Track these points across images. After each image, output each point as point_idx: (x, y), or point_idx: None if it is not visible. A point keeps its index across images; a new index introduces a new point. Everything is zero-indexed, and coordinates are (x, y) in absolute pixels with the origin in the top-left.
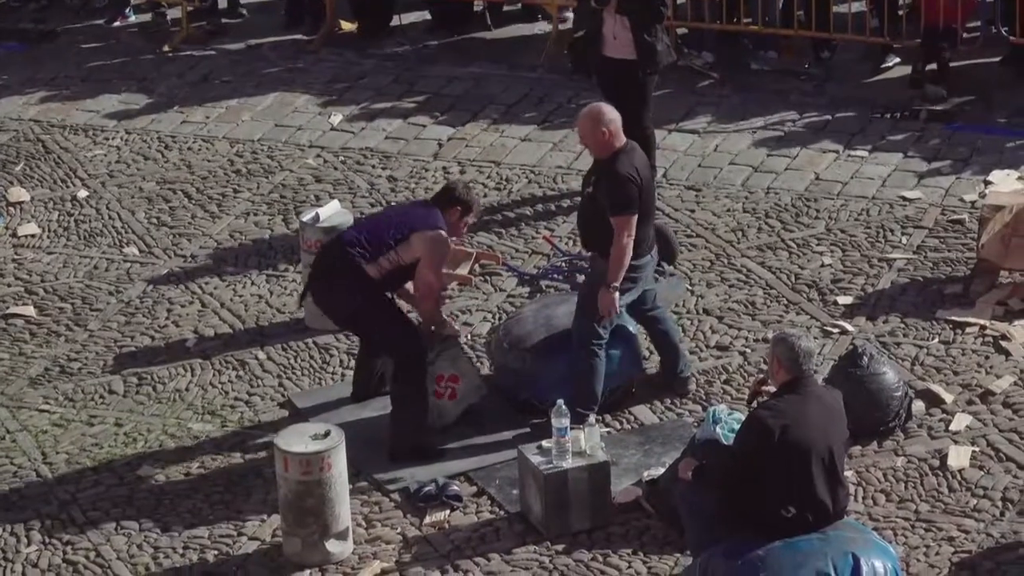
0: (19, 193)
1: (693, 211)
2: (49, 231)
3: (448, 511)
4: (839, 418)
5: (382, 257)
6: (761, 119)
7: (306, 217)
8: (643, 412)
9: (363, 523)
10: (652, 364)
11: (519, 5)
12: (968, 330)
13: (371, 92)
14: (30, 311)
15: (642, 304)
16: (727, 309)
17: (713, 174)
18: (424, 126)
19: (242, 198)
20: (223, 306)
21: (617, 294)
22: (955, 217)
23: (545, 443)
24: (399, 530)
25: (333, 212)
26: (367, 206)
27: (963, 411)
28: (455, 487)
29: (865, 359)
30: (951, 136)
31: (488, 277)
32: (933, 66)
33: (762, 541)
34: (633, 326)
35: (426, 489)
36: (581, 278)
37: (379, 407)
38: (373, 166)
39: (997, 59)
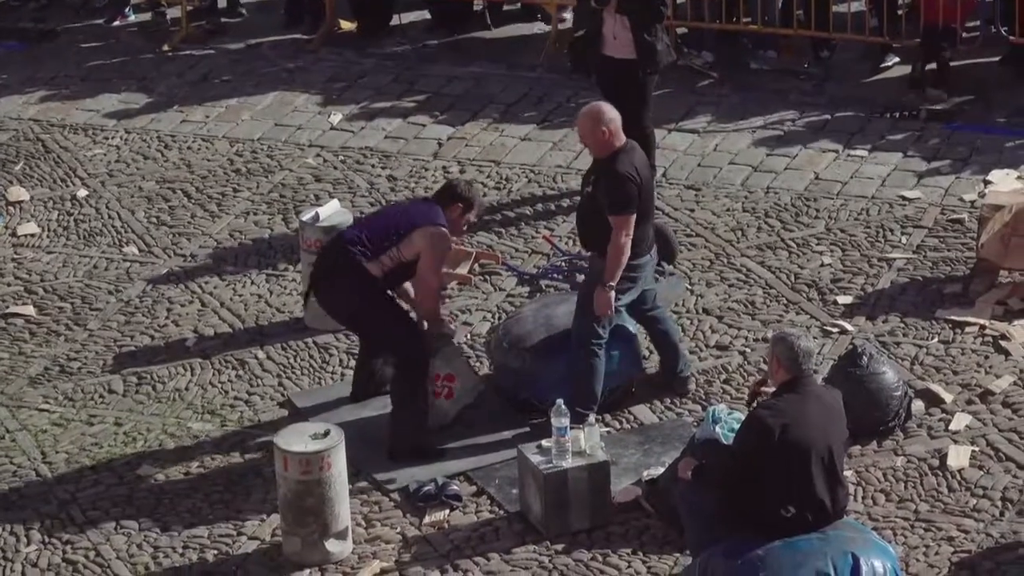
0: (19, 192)
1: (693, 210)
2: (49, 230)
3: (448, 511)
4: (839, 418)
5: (383, 255)
6: (761, 119)
7: (306, 216)
8: (643, 412)
9: (363, 523)
10: (652, 364)
11: (518, 5)
12: (968, 330)
13: (371, 91)
14: (30, 310)
15: (642, 304)
16: (727, 309)
17: (713, 173)
18: (424, 125)
19: (242, 197)
20: (223, 305)
21: (613, 293)
22: (955, 217)
23: (545, 443)
24: (399, 530)
25: (333, 211)
26: (367, 205)
27: (963, 411)
28: (455, 487)
29: (865, 359)
30: (951, 136)
31: (488, 276)
32: (932, 65)
33: (762, 541)
34: (633, 326)
35: (425, 489)
36: (581, 278)
37: (379, 407)
38: (373, 165)
39: (996, 59)
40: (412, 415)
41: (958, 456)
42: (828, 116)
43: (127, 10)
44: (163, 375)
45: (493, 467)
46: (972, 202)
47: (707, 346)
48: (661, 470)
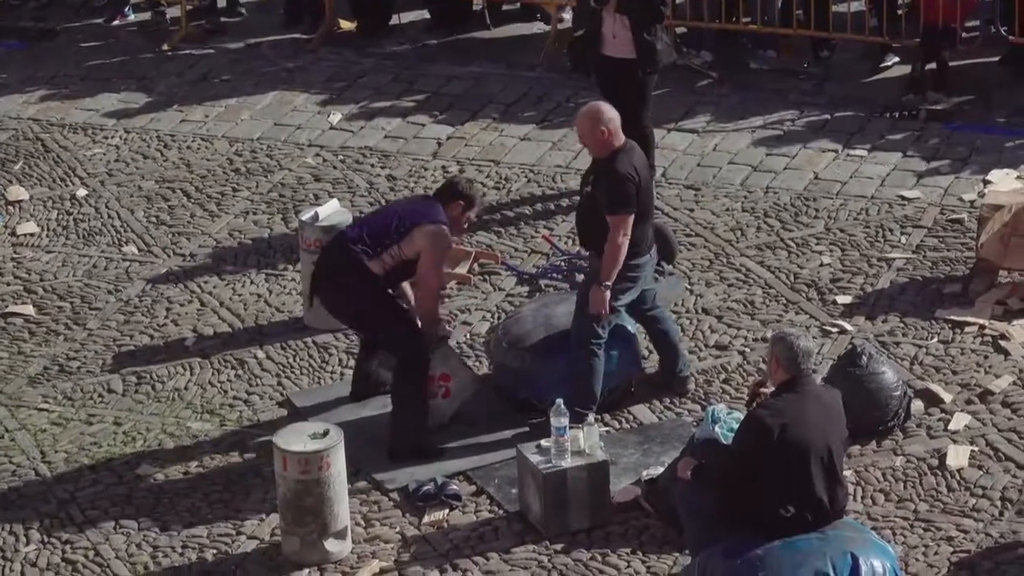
0: (18, 192)
1: (692, 210)
2: (48, 230)
3: (447, 510)
4: (838, 417)
5: (385, 253)
6: (760, 118)
7: (305, 216)
8: (642, 411)
9: (362, 522)
10: (651, 363)
11: (518, 4)
12: (967, 329)
13: (370, 91)
14: (29, 310)
15: (642, 304)
16: (726, 308)
17: (712, 173)
18: (423, 125)
19: (241, 197)
20: (222, 305)
21: (608, 293)
22: (954, 216)
23: (544, 442)
24: (398, 529)
25: (332, 211)
26: (366, 205)
27: (962, 411)
28: (454, 486)
29: (864, 358)
30: (950, 135)
31: (487, 276)
32: (932, 65)
33: (761, 540)
34: (632, 326)
35: (425, 488)
36: (580, 277)
37: (378, 406)
38: (372, 165)
39: (996, 58)
40: (413, 415)
41: (957, 456)
42: (828, 116)
43: (127, 9)
44: (162, 374)
45: (492, 467)
46: (972, 202)
47: (706, 346)
48: (660, 470)
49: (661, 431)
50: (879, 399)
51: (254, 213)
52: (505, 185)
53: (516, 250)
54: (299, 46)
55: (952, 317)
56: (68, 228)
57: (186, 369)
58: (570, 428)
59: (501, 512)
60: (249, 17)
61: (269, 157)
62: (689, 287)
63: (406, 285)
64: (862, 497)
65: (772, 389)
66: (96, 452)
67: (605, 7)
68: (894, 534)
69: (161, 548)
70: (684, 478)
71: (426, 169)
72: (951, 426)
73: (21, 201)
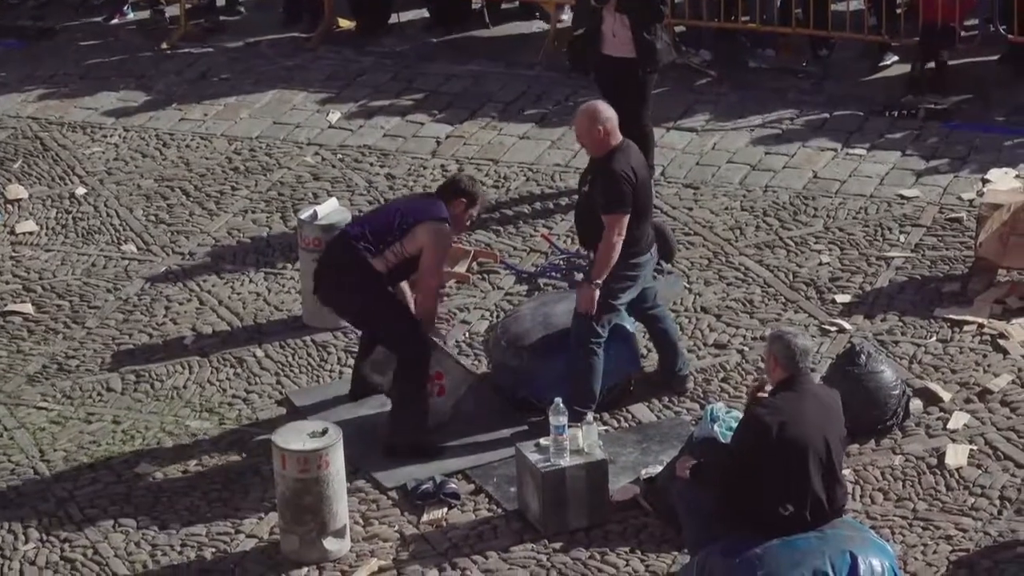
0: (17, 190)
1: (691, 209)
2: (47, 228)
3: (446, 509)
4: (836, 416)
5: (387, 250)
6: (759, 117)
7: (304, 215)
8: (641, 410)
9: (360, 521)
10: (650, 362)
11: (517, 3)
12: (966, 328)
13: (369, 90)
14: (28, 308)
15: (642, 302)
16: (725, 307)
17: (711, 172)
18: (422, 124)
19: (240, 196)
20: (221, 304)
21: (598, 292)
22: (953, 215)
23: (543, 441)
24: (396, 528)
25: (331, 210)
26: (365, 204)
27: (961, 409)
28: (453, 485)
29: (863, 357)
30: (949, 134)
31: (486, 275)
32: (931, 64)
33: (760, 539)
34: (631, 324)
35: (424, 487)
36: (579, 276)
37: (376, 405)
38: (371, 164)
39: (995, 57)
40: (413, 414)
41: (956, 455)
42: (827, 115)
43: (126, 8)
44: (161, 373)
45: (491, 465)
46: (970, 201)
47: (705, 344)
48: (659, 468)
49: (660, 430)
50: (878, 398)
51: (253, 212)
52: (504, 184)
53: (515, 249)
54: (298, 45)
55: (951, 316)
56: (67, 227)
57: (185, 368)
58: (569, 427)
59: (500, 511)
60: (248, 16)
61: (268, 156)
62: (688, 286)
63: (404, 284)
64: (861, 496)
65: (770, 389)
66: (95, 451)
67: (605, 6)
68: (893, 533)
69: (160, 546)
70: (683, 477)
71: (425, 168)
72: (950, 425)
73: (20, 200)
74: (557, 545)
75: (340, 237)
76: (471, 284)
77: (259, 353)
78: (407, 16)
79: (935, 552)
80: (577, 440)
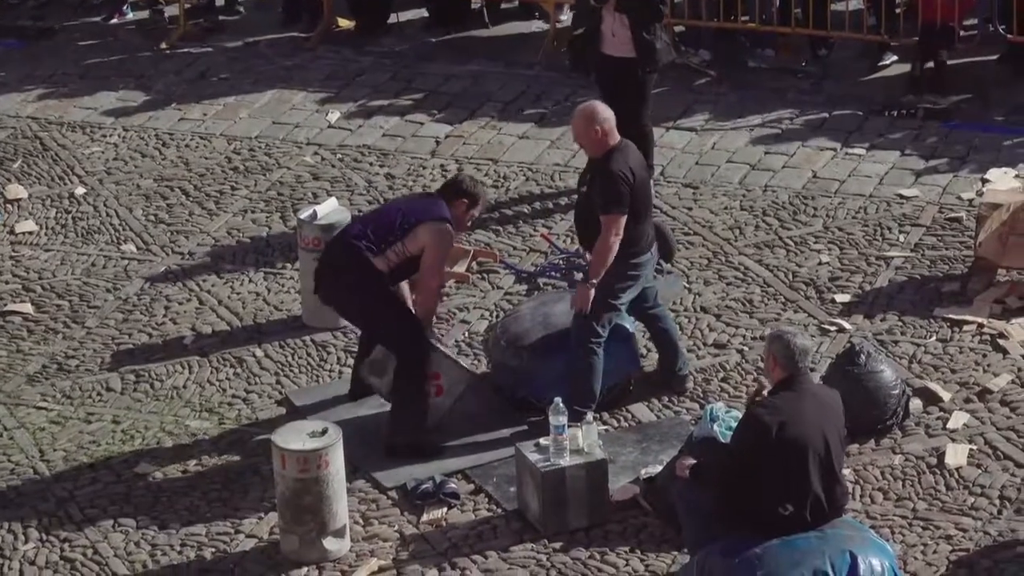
0: (17, 190)
1: (691, 209)
2: (47, 228)
3: (445, 509)
4: (836, 415)
5: (389, 250)
6: (759, 117)
7: (304, 214)
8: (641, 410)
9: (360, 520)
10: (650, 362)
11: (516, 3)
12: (966, 328)
13: (368, 89)
14: (28, 308)
15: (643, 302)
16: (724, 307)
17: (711, 172)
18: (422, 123)
19: (240, 195)
20: (221, 303)
21: (593, 291)
22: (952, 215)
23: (543, 441)
24: (396, 528)
25: (331, 209)
26: (364, 203)
27: (961, 409)
28: (452, 485)
29: (863, 357)
30: (948, 134)
31: (486, 274)
32: (930, 64)
33: (759, 539)
34: (631, 324)
35: (423, 487)
36: (579, 276)
37: (377, 405)
38: (371, 163)
39: (994, 57)
40: (413, 415)
41: (956, 454)
42: (826, 114)
43: (125, 8)
44: (161, 373)
45: (491, 465)
46: (970, 200)
47: (705, 344)
48: (659, 468)
49: (660, 429)
50: (878, 398)
51: (252, 211)
52: (504, 183)
53: (515, 248)
54: (297, 44)
55: (950, 316)
56: (67, 226)
57: (185, 367)
58: (569, 426)
59: (499, 511)
60: (247, 15)
61: (267, 155)
62: (688, 285)
63: (404, 285)
64: (861, 496)
65: (769, 389)
66: (95, 450)
67: (604, 6)
68: (893, 533)
69: (160, 546)
70: (682, 476)
71: (424, 167)
72: (950, 425)
73: (20, 199)
74: (557, 545)
75: (341, 236)
76: (471, 284)
77: (259, 353)
78: (406, 16)
79: (935, 552)
80: (577, 440)
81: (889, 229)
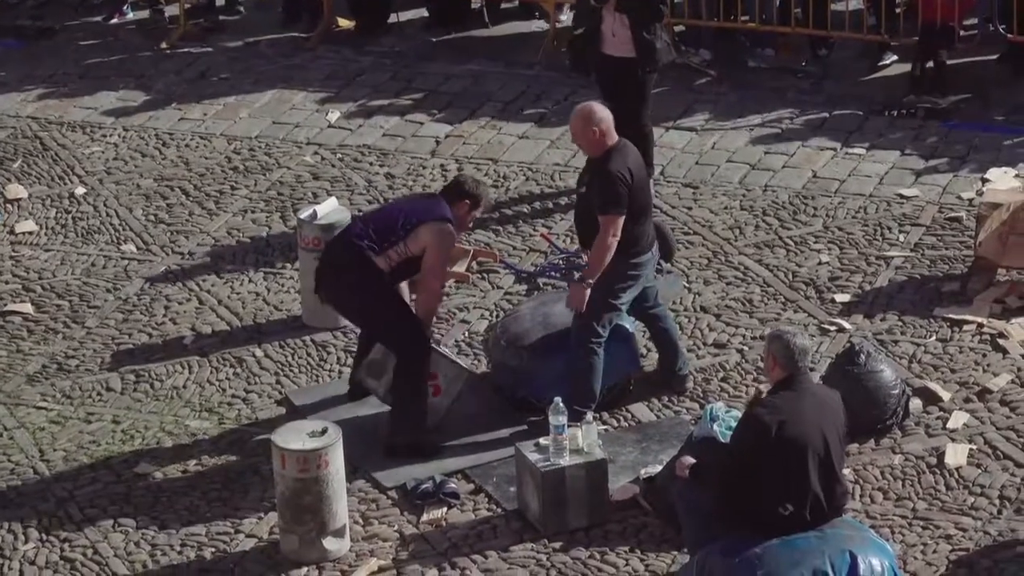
0: (16, 190)
1: (690, 208)
2: (47, 228)
3: (445, 508)
4: (836, 415)
5: (391, 249)
6: (759, 116)
7: (304, 214)
8: (641, 410)
9: (360, 520)
10: (650, 362)
11: (516, 3)
12: (965, 328)
13: (368, 89)
14: (28, 308)
15: (644, 301)
16: (724, 307)
17: (710, 171)
18: (422, 123)
19: (240, 195)
20: (221, 303)
21: (589, 291)
22: (952, 215)
23: (543, 440)
24: (396, 527)
25: (331, 209)
26: (365, 203)
27: (960, 409)
28: (452, 484)
29: (862, 357)
30: (948, 134)
31: (486, 274)
32: (930, 64)
33: (759, 539)
34: (631, 324)
35: (423, 487)
36: (578, 276)
37: (376, 404)
38: (371, 163)
39: (994, 57)
40: (412, 415)
41: (956, 454)
42: (826, 114)
43: (125, 8)
44: (161, 373)
45: (491, 465)
46: (970, 200)
47: (705, 344)
48: (659, 468)
49: (659, 429)
50: (877, 397)
51: (252, 211)
52: (503, 183)
53: (514, 248)
54: (297, 44)
55: (950, 315)
56: (67, 226)
57: (184, 367)
58: (568, 426)
59: (499, 510)
60: (247, 15)
61: (267, 155)
62: (687, 285)
63: (403, 285)
64: (861, 495)
65: (768, 389)
66: (95, 450)
67: (605, 5)
68: (892, 532)
69: (159, 546)
70: (682, 476)
71: (424, 167)
72: (949, 424)
73: (20, 199)
74: (557, 545)
75: (342, 235)
76: (471, 284)
77: (258, 353)
78: (406, 16)
79: (935, 551)
80: (577, 440)
81: (889, 229)
